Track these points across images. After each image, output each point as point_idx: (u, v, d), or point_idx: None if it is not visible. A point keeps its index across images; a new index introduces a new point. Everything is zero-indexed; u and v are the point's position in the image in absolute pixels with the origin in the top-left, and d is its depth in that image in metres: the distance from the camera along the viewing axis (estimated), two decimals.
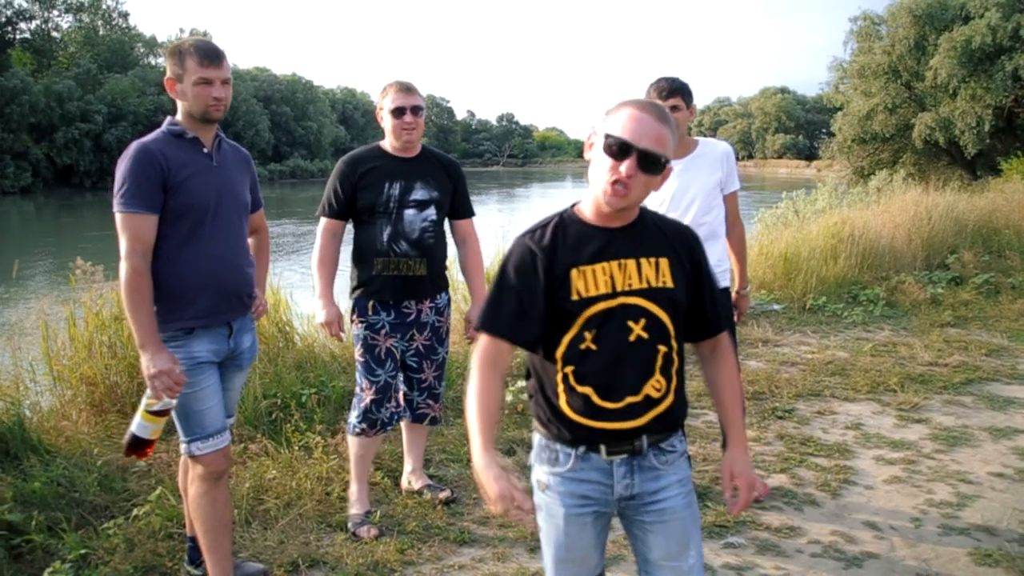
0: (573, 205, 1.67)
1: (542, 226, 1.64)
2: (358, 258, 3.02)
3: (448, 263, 3.19)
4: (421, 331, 3.06)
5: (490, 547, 2.91)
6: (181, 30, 58.71)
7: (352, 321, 3.06)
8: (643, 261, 1.59)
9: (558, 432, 1.64)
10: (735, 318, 3.45)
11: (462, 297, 5.37)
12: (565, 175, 68.44)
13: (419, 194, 2.98)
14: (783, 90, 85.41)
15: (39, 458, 3.22)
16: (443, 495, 3.23)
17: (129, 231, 2.24)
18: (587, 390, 1.59)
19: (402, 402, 3.18)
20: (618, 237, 1.61)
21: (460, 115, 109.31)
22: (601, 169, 1.55)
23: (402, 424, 3.28)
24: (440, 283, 3.11)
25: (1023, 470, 3.59)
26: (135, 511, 2.90)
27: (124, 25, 55.57)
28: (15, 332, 4.00)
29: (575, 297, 1.58)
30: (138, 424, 2.31)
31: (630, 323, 1.57)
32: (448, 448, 3.80)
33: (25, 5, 49.22)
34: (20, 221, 30.79)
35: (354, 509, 3.08)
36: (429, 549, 2.89)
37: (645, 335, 1.58)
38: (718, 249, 3.08)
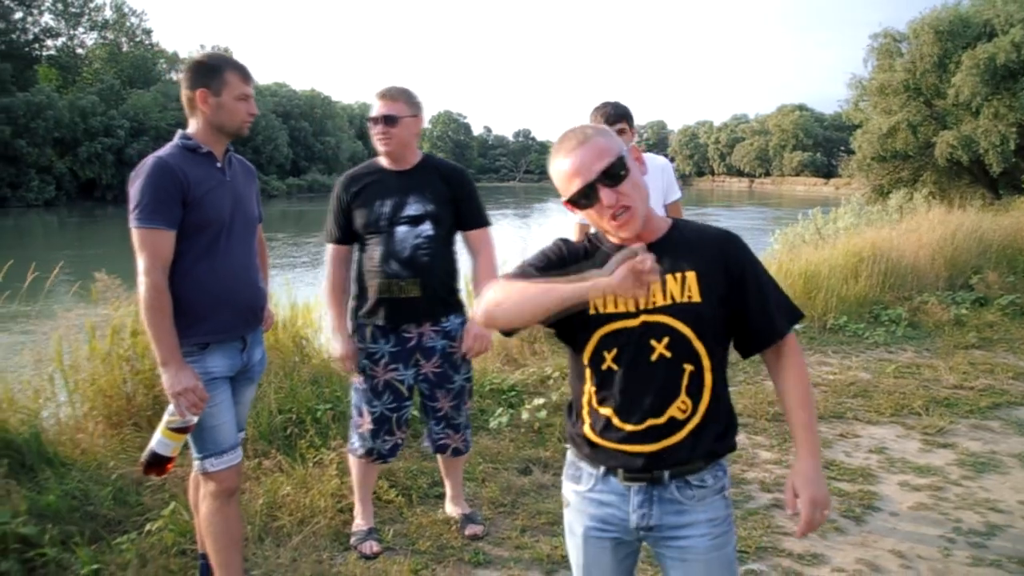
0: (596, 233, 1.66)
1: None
2: (358, 280, 2.90)
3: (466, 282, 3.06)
4: (428, 357, 2.88)
5: (505, 569, 2.85)
6: (202, 46, 59.67)
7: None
8: (668, 277, 1.52)
9: (579, 450, 1.63)
10: None
11: None
12: None
13: (412, 209, 2.79)
14: (800, 107, 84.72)
15: (54, 471, 3.21)
16: (469, 531, 3.07)
17: (148, 247, 2.24)
18: (607, 412, 1.56)
19: (402, 433, 3.01)
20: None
21: (477, 131, 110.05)
22: (593, 219, 1.55)
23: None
24: (441, 306, 2.89)
25: None
26: (148, 526, 2.88)
27: (147, 42, 56.56)
28: (38, 343, 4.02)
29: (592, 312, 1.53)
30: (158, 441, 2.30)
31: (652, 342, 1.51)
32: (464, 467, 3.74)
33: (51, 23, 50.31)
34: (43, 233, 31.24)
35: (357, 525, 3.04)
36: (443, 570, 2.84)
37: (668, 354, 1.51)
38: None
